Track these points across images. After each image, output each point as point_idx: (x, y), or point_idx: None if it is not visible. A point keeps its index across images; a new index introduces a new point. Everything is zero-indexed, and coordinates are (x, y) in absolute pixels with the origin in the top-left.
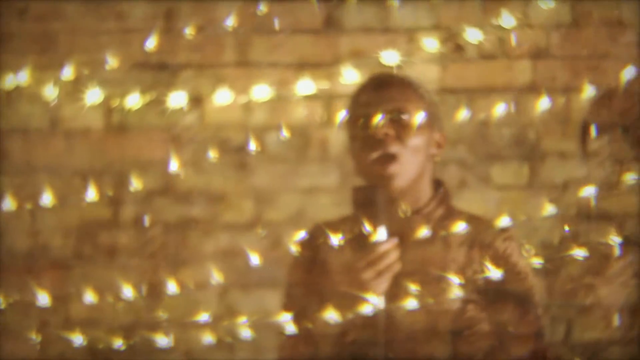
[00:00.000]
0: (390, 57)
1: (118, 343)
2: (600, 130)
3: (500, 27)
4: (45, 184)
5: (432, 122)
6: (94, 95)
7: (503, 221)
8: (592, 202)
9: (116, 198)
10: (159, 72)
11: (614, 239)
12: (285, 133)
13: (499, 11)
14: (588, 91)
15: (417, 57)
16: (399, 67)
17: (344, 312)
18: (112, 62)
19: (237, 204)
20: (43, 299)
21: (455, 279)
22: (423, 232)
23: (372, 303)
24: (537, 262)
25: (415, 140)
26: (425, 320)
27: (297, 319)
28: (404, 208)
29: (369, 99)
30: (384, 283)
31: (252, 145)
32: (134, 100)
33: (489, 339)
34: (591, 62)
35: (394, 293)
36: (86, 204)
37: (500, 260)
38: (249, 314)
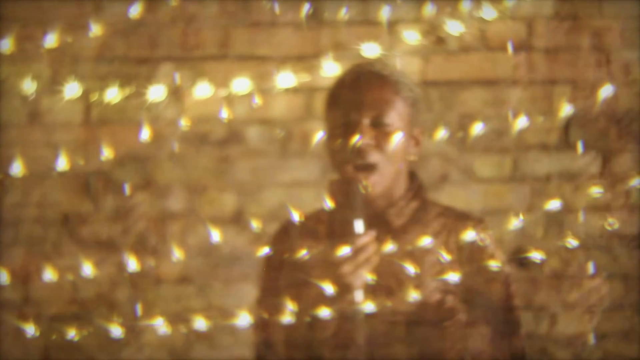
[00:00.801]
0: (371, 50)
1: (71, 333)
2: (585, 124)
3: (481, 19)
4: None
5: (413, 120)
6: (72, 89)
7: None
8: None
9: (95, 190)
10: (138, 65)
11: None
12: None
13: (480, 3)
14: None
15: (398, 49)
16: (379, 58)
17: (320, 307)
18: (95, 29)
19: (218, 198)
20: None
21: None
22: (398, 225)
23: (351, 298)
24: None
25: (394, 144)
26: (404, 313)
27: (271, 314)
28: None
29: (349, 99)
30: (363, 277)
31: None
32: (113, 94)
33: (469, 329)
34: (573, 54)
35: (372, 287)
36: (65, 195)
37: (475, 251)
38: (232, 308)
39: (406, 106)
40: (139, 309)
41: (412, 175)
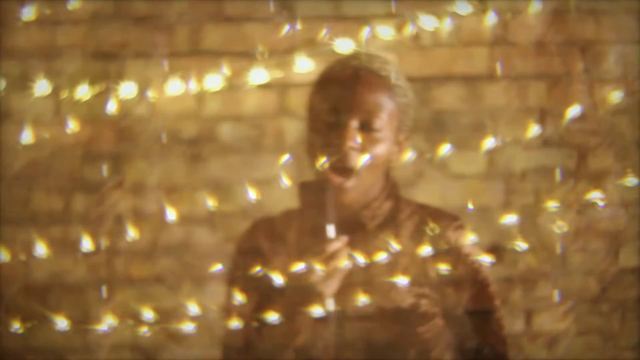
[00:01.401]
0: (344, 46)
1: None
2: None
3: (456, 14)
4: None
5: (401, 125)
6: (42, 86)
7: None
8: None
9: (67, 190)
10: (108, 62)
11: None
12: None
13: None
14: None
15: (372, 45)
16: (378, 55)
17: (291, 313)
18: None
19: (191, 196)
20: None
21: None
22: (372, 225)
23: (322, 304)
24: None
25: (379, 152)
26: (377, 318)
27: (239, 319)
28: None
29: (340, 96)
30: (334, 284)
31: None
32: (83, 91)
33: (445, 334)
34: (548, 48)
35: (344, 292)
36: (36, 196)
37: (451, 251)
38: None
39: (398, 112)
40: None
41: (386, 174)
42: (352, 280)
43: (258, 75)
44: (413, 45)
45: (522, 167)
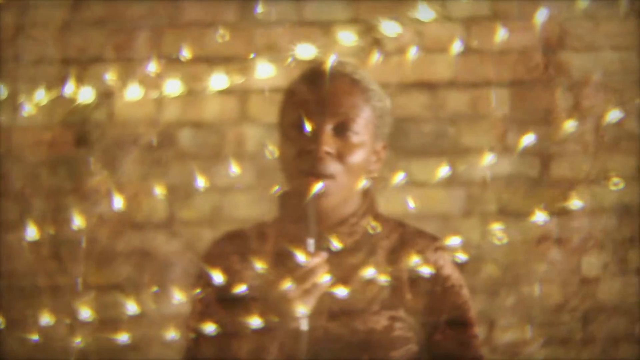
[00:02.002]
0: (305, 51)
1: None
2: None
3: (418, 21)
4: None
5: (378, 132)
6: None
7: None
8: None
9: (24, 196)
10: (66, 66)
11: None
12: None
13: (416, 4)
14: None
15: (334, 50)
16: (349, 61)
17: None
18: None
19: (149, 203)
20: None
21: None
22: (349, 243)
23: (296, 323)
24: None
25: (357, 159)
26: (349, 339)
27: (202, 334)
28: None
29: (312, 101)
30: (311, 302)
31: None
32: (40, 96)
33: None
34: (510, 56)
35: (317, 310)
36: None
37: (430, 273)
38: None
39: (374, 117)
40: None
41: (365, 190)
42: (325, 300)
43: (218, 80)
44: (375, 51)
45: (484, 174)
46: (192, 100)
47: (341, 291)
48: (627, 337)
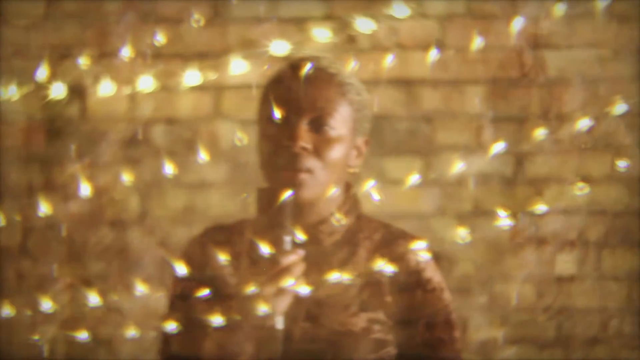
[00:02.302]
0: (280, 48)
1: None
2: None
3: (392, 17)
4: None
5: (358, 127)
6: None
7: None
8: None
9: None
10: (40, 61)
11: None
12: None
13: (391, 1)
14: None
15: (308, 47)
16: (326, 55)
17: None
18: None
19: (122, 199)
20: None
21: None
22: (329, 242)
23: (272, 322)
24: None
25: (335, 154)
26: (326, 339)
27: (182, 333)
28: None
29: (288, 96)
30: (286, 300)
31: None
32: (12, 91)
33: None
34: (486, 54)
35: (294, 310)
36: None
37: (412, 275)
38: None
39: (352, 111)
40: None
41: (348, 188)
42: (302, 299)
43: (192, 77)
44: (349, 47)
45: (459, 173)
46: (165, 96)
47: (318, 291)
48: (601, 337)
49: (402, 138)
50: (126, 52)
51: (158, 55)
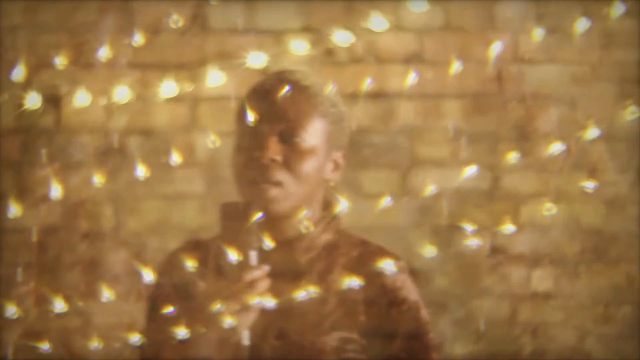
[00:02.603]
0: (257, 59)
1: None
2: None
3: (370, 31)
4: None
5: (332, 140)
6: None
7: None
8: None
9: None
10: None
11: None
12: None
13: (370, 14)
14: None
15: (286, 59)
16: (302, 68)
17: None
18: None
19: (96, 211)
20: None
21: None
22: (305, 258)
23: (238, 337)
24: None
25: (307, 166)
26: (296, 358)
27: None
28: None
29: (259, 109)
30: (251, 316)
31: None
32: None
33: None
34: (464, 68)
35: (264, 326)
36: None
37: (387, 294)
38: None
39: (326, 123)
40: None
41: (327, 203)
42: (272, 316)
43: (169, 87)
44: (327, 60)
45: (436, 187)
46: (141, 107)
47: (289, 308)
48: (576, 354)
49: (378, 151)
50: (102, 62)
51: (134, 65)
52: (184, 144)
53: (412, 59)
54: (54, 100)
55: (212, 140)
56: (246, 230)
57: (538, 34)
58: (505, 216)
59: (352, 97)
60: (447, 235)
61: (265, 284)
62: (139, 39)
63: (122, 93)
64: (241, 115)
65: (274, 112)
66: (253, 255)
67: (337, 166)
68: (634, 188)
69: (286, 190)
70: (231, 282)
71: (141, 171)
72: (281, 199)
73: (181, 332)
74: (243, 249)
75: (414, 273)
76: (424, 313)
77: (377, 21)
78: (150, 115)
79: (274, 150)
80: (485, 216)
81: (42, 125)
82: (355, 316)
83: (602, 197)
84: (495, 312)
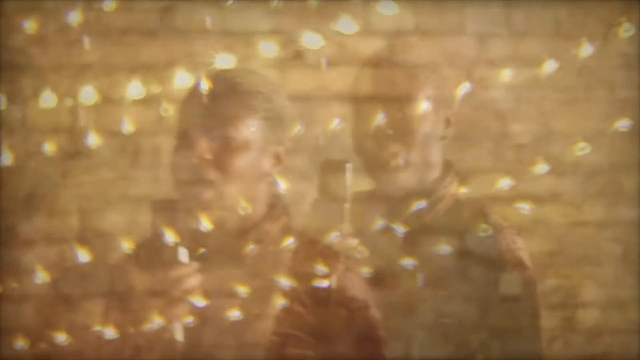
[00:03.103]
0: (226, 61)
1: None
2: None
3: (340, 33)
4: None
5: (271, 135)
6: None
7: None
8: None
9: None
10: None
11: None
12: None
13: (339, 17)
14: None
15: (255, 62)
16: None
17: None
18: None
19: (61, 214)
20: None
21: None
22: (248, 252)
23: (169, 334)
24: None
25: (238, 163)
26: (237, 353)
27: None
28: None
29: (191, 109)
30: (179, 311)
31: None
32: None
33: None
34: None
35: (204, 322)
36: None
37: (335, 292)
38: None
39: (259, 119)
40: None
41: (276, 197)
42: (213, 312)
43: (135, 89)
44: (296, 63)
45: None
46: (107, 108)
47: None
48: (545, 356)
49: (348, 155)
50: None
51: (101, 66)
52: (150, 145)
53: (382, 63)
54: (19, 101)
55: (165, 108)
56: (176, 225)
57: (506, 74)
58: (476, 219)
59: (322, 100)
60: (417, 237)
61: (194, 281)
62: (105, 42)
63: (88, 95)
64: (178, 115)
65: (204, 112)
66: (182, 252)
67: (278, 160)
68: None
69: (219, 189)
70: (160, 278)
71: (110, 181)
72: (216, 201)
73: (108, 330)
74: (173, 246)
75: (381, 276)
76: (374, 311)
77: (346, 24)
78: (116, 117)
79: (204, 148)
80: (455, 219)
81: (6, 127)
82: (300, 315)
83: (570, 198)
84: (464, 315)
